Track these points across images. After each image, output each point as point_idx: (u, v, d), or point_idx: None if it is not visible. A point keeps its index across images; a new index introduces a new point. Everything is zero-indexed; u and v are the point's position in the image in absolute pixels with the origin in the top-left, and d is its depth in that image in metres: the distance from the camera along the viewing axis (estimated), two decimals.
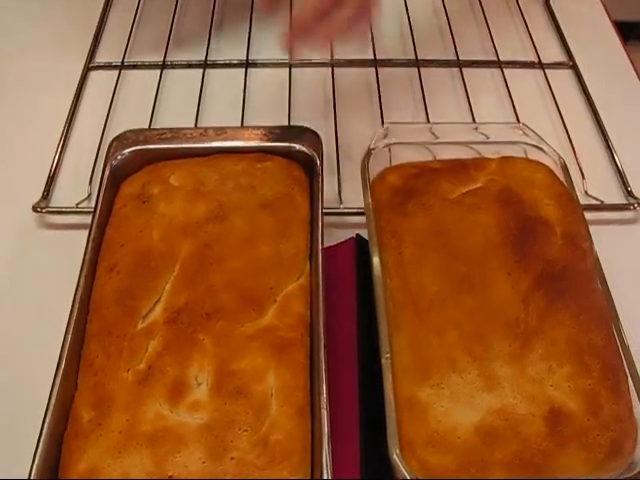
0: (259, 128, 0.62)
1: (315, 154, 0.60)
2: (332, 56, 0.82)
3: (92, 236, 0.54)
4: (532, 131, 0.64)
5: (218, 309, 0.49)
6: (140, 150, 0.60)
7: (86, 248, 0.53)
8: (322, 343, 0.48)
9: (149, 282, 0.51)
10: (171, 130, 0.61)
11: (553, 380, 0.48)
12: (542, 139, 0.63)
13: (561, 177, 0.60)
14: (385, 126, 0.69)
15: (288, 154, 0.60)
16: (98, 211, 0.56)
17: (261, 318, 0.49)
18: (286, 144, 0.60)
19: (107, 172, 0.58)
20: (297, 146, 0.60)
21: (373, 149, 0.61)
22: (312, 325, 0.50)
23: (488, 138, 0.63)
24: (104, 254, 0.54)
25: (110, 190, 0.58)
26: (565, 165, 0.61)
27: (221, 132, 0.61)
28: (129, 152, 0.59)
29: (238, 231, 0.53)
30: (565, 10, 0.91)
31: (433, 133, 0.64)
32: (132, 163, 0.59)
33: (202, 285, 0.50)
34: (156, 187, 0.57)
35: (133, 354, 0.47)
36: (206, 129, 0.62)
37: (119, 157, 0.59)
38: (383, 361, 0.48)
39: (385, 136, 0.63)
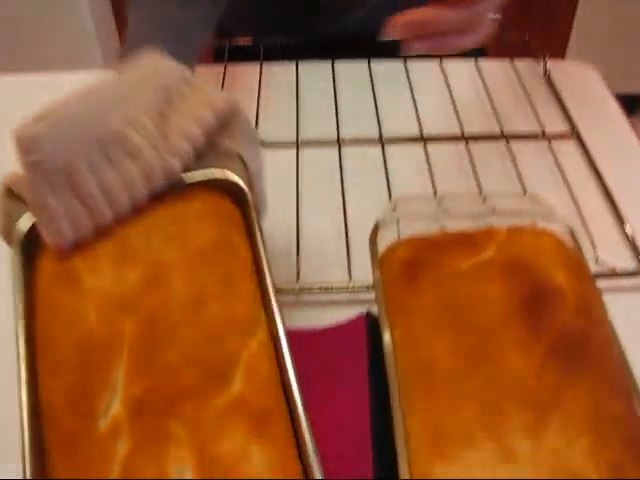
0: None
1: (241, 181, 0.51)
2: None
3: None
4: (540, 201, 0.61)
5: (182, 390, 0.42)
6: None
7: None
8: (300, 405, 0.41)
9: (99, 375, 0.42)
10: None
11: (572, 453, 0.43)
12: (551, 208, 0.60)
13: (571, 245, 0.57)
14: (393, 199, 0.67)
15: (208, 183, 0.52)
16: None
17: (229, 388, 0.42)
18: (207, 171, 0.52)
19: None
20: (218, 173, 0.52)
21: (381, 223, 0.58)
22: (285, 386, 0.43)
23: (496, 209, 0.61)
24: (40, 351, 0.45)
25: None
26: (573, 232, 0.58)
27: None
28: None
29: (180, 296, 0.45)
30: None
31: (442, 205, 0.61)
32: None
33: (158, 366, 0.42)
34: (76, 256, 0.47)
35: (103, 461, 0.40)
36: None
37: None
38: (398, 440, 0.45)
39: (394, 209, 0.60)
